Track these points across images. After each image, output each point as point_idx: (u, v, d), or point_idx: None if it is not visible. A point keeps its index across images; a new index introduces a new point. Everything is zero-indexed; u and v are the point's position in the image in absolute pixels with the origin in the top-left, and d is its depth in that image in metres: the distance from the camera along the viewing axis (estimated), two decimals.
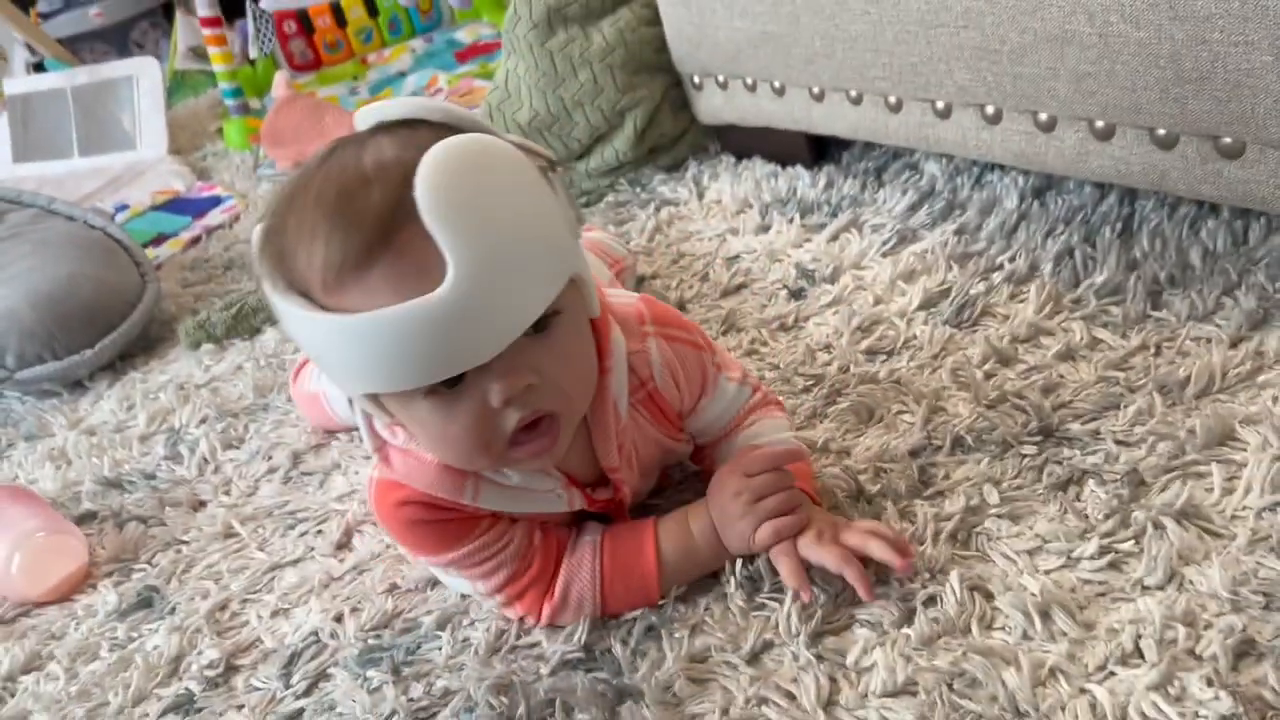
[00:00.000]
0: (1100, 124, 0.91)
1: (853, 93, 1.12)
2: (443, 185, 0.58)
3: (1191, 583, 0.65)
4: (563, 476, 0.72)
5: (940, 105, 1.04)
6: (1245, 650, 0.60)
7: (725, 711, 0.65)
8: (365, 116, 0.66)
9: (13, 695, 0.82)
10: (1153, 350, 0.85)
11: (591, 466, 0.74)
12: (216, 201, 1.74)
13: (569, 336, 0.65)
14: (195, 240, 1.63)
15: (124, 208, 1.77)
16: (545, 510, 0.73)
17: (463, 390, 0.62)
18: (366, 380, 0.62)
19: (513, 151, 0.63)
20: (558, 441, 0.66)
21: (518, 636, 0.74)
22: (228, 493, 1.00)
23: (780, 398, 0.85)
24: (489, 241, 0.58)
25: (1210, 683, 0.58)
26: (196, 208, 1.74)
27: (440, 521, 0.71)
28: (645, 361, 0.73)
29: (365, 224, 0.58)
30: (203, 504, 1.00)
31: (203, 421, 1.12)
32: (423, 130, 0.63)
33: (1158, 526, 0.69)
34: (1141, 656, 0.61)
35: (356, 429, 1.02)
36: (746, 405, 0.80)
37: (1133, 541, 0.69)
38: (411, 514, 0.70)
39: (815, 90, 1.17)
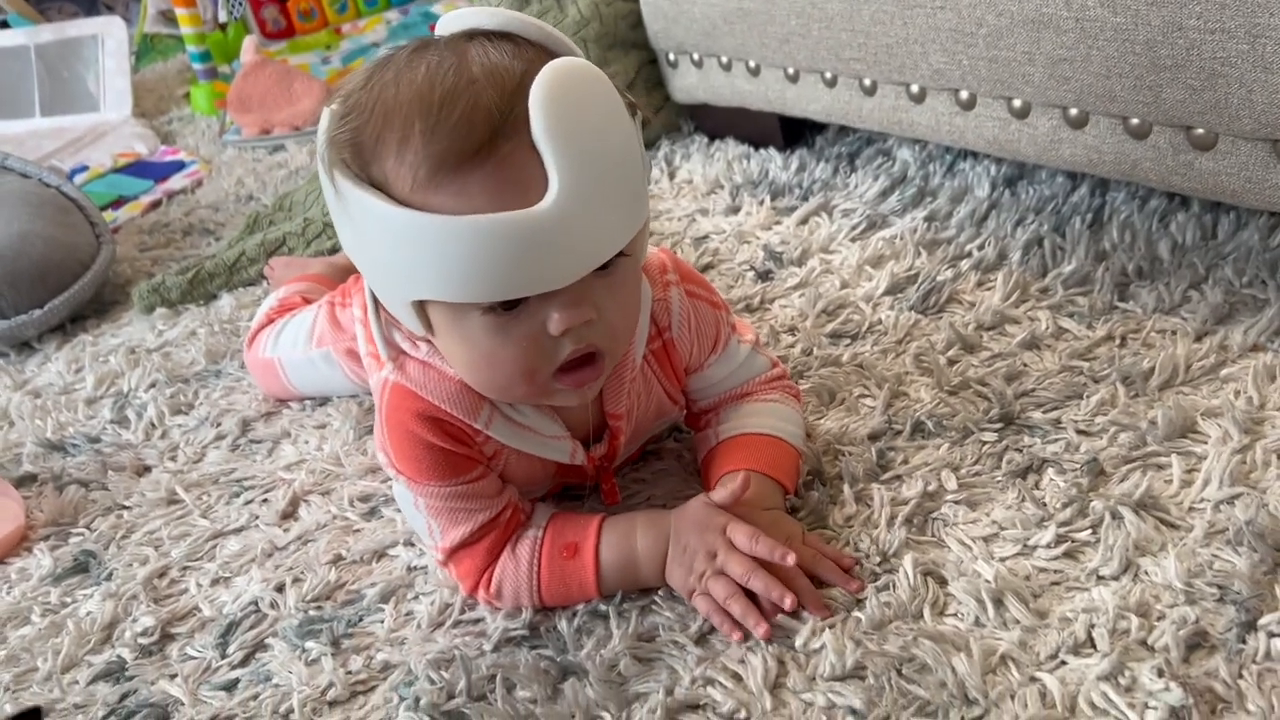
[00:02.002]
0: (1074, 111, 0.90)
1: (828, 74, 1.11)
2: (558, 103, 0.57)
3: (1147, 573, 0.64)
4: (566, 427, 0.72)
5: (915, 89, 1.03)
6: (1198, 642, 0.59)
7: (670, 691, 0.63)
8: (450, 23, 0.64)
9: None
10: (1118, 341, 0.85)
11: (594, 417, 0.73)
12: (180, 166, 1.70)
13: (629, 279, 0.65)
14: (155, 204, 1.59)
15: (83, 169, 1.73)
16: (547, 456, 0.72)
17: (522, 314, 0.61)
18: (435, 286, 0.60)
19: (612, 85, 0.62)
20: (598, 378, 0.65)
21: (461, 611, 0.72)
22: (174, 458, 0.97)
23: (798, 387, 0.83)
24: (592, 167, 0.58)
25: (1161, 673, 0.57)
26: (158, 171, 1.70)
27: (444, 449, 0.68)
28: (666, 310, 0.73)
29: (474, 127, 0.57)
30: (147, 469, 0.97)
31: (152, 386, 1.09)
32: (524, 44, 0.62)
33: (1115, 516, 0.68)
34: (1094, 646, 0.60)
35: (309, 399, 1.00)
36: (765, 376, 0.79)
37: (1090, 531, 0.68)
38: (421, 429, 0.68)
39: (790, 71, 1.15)
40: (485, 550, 0.70)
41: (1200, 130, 0.81)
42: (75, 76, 2.01)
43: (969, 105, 0.99)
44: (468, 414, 0.68)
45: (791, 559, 0.64)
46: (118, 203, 1.60)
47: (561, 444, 0.72)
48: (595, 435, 0.74)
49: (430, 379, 0.68)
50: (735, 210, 1.18)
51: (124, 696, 0.72)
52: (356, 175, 0.61)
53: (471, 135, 0.57)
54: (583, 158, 0.57)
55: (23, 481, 0.98)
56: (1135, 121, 0.86)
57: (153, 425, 1.03)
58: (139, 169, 1.72)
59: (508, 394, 0.67)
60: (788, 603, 0.65)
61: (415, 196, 0.58)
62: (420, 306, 0.63)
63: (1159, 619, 0.61)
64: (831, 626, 0.65)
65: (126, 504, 0.92)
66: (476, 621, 0.71)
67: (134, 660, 0.75)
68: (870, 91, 1.08)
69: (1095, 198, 1.03)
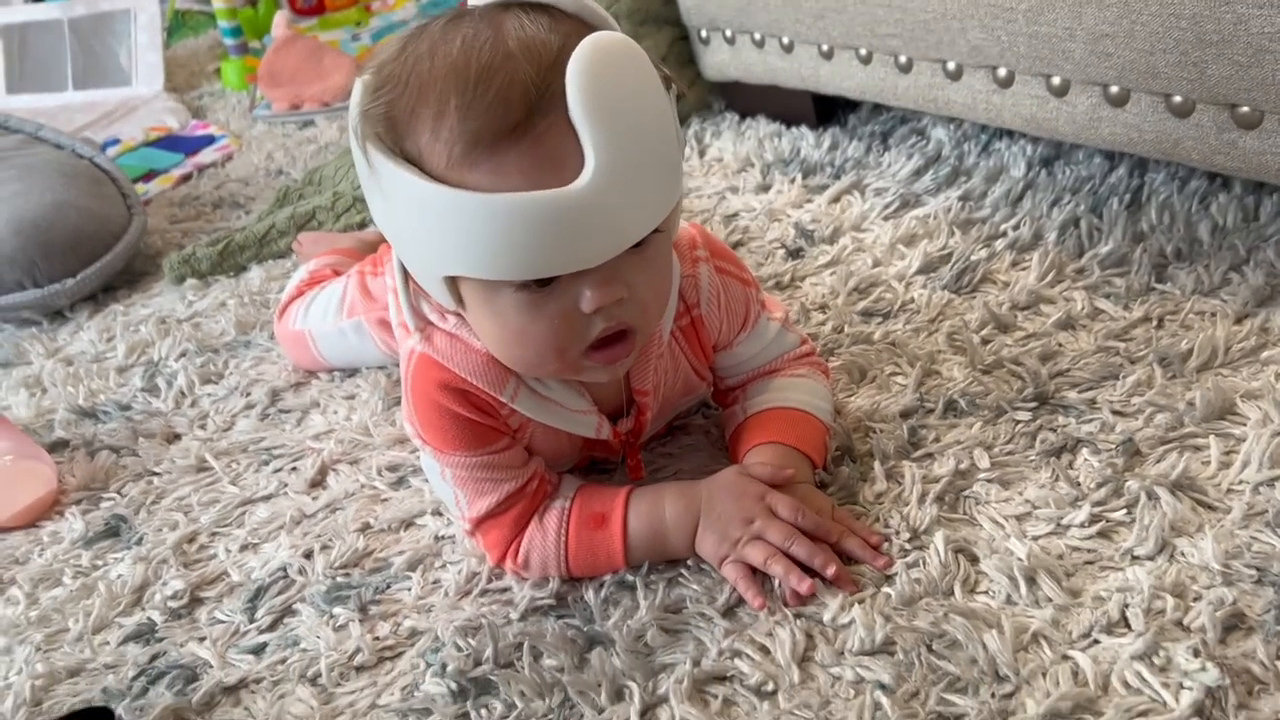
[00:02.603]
0: (1115, 89, 0.88)
1: (862, 51, 1.10)
2: (596, 78, 0.56)
3: (1183, 554, 0.63)
4: (593, 402, 0.71)
5: (951, 66, 1.01)
6: (1235, 623, 0.58)
7: (697, 663, 0.63)
8: None
9: None
10: (1155, 322, 0.83)
11: (619, 395, 0.73)
12: (210, 140, 1.71)
13: (662, 256, 0.64)
14: (186, 177, 1.59)
15: (115, 142, 1.73)
16: (574, 430, 0.72)
17: (554, 291, 0.60)
18: (468, 262, 0.59)
19: (648, 59, 0.61)
20: (629, 355, 0.65)
21: (489, 580, 0.72)
22: (203, 427, 0.98)
23: (827, 364, 0.82)
24: (629, 144, 0.57)
25: (1197, 654, 0.57)
26: (189, 146, 1.70)
27: (469, 420, 0.68)
28: (694, 286, 0.72)
29: (510, 104, 0.56)
30: (177, 437, 0.97)
31: (182, 355, 1.10)
32: (560, 17, 0.61)
33: (1151, 496, 0.67)
34: (1128, 625, 0.60)
35: (339, 370, 1.00)
36: (794, 353, 0.78)
37: (1125, 511, 0.67)
38: (446, 400, 0.68)
39: (824, 47, 1.14)
40: (512, 521, 0.70)
41: (1245, 108, 0.80)
42: (107, 51, 2.02)
43: (1006, 83, 0.97)
44: (493, 387, 0.68)
45: (833, 538, 0.65)
46: (149, 176, 1.60)
47: (588, 418, 0.72)
48: (623, 411, 0.74)
49: (457, 351, 0.68)
50: (766, 188, 1.17)
51: (154, 658, 0.72)
52: (390, 149, 0.60)
53: (508, 113, 0.56)
54: (620, 135, 0.57)
55: (55, 447, 0.98)
56: (1178, 99, 0.84)
57: (183, 394, 1.03)
58: (170, 143, 1.73)
59: (537, 370, 0.67)
60: (831, 571, 0.64)
61: (450, 173, 0.58)
62: (452, 281, 0.62)
63: (1195, 600, 0.60)
64: (861, 602, 0.64)
65: (157, 470, 0.93)
66: (503, 590, 0.71)
67: (164, 623, 0.75)
68: (905, 69, 1.06)
69: (1134, 178, 1.01)
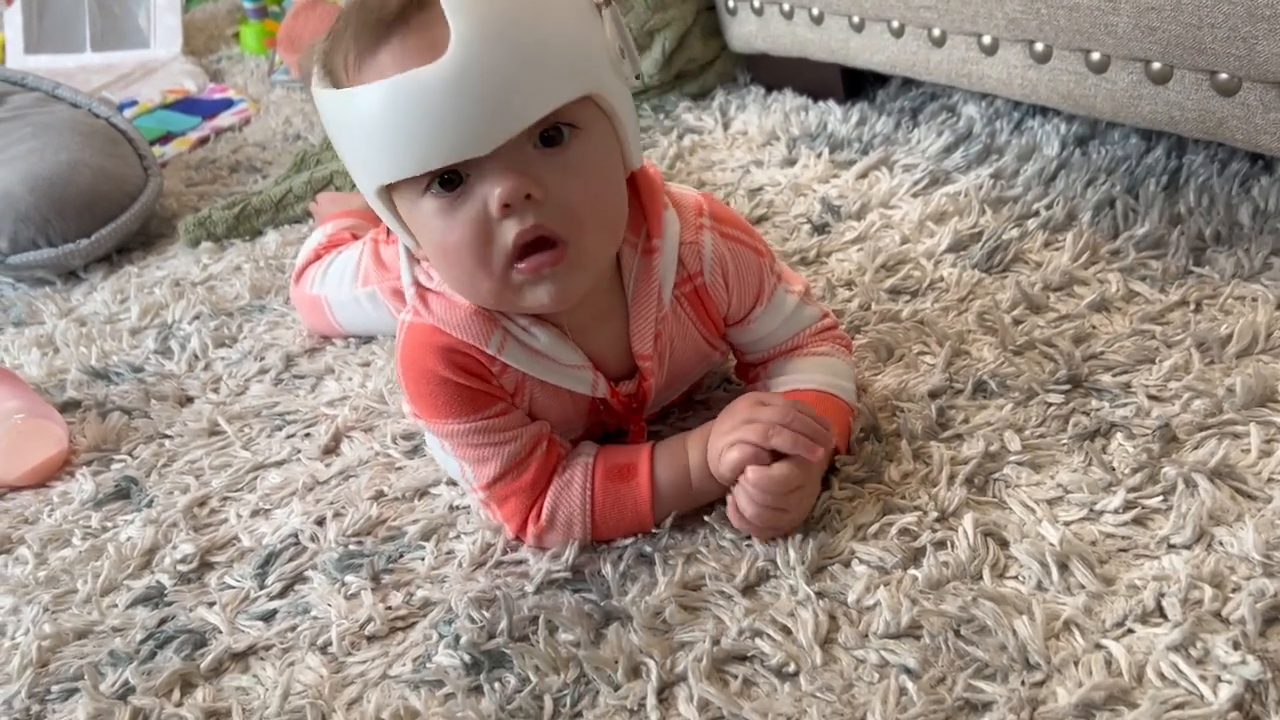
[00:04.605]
0: (1157, 65, 0.86)
1: (895, 23, 1.07)
2: None
3: (1221, 543, 0.61)
4: (590, 360, 0.70)
5: (987, 40, 0.99)
6: (1275, 616, 0.57)
7: (717, 641, 0.61)
8: None
9: None
10: (1193, 306, 0.81)
11: (623, 358, 0.71)
12: (228, 104, 1.69)
13: (587, 159, 0.62)
14: (203, 140, 1.58)
15: (132, 104, 1.72)
16: (569, 386, 0.70)
17: (464, 195, 0.60)
18: (371, 167, 0.61)
19: None
20: (566, 272, 0.62)
21: (504, 552, 0.71)
22: (216, 390, 0.96)
23: (850, 338, 0.80)
24: (496, 21, 0.57)
25: (1237, 646, 0.55)
26: (207, 109, 1.69)
27: (458, 384, 0.67)
28: (697, 254, 0.70)
29: (387, 7, 0.59)
30: (189, 400, 0.96)
31: (196, 318, 1.08)
32: None
33: (1189, 484, 0.65)
34: (1163, 615, 0.58)
35: (354, 336, 0.99)
36: (815, 328, 0.76)
37: (1161, 498, 0.65)
38: (436, 364, 0.67)
39: (855, 19, 1.11)
40: (527, 486, 0.69)
41: None
42: (126, 12, 2.00)
43: (1044, 58, 0.95)
44: (478, 339, 0.67)
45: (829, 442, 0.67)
46: (165, 138, 1.59)
47: (581, 374, 0.70)
48: (629, 376, 0.72)
49: (443, 307, 0.67)
50: (791, 163, 1.15)
51: (162, 621, 0.71)
52: (322, 81, 0.63)
53: (385, 9, 0.59)
54: (489, 14, 0.57)
55: (67, 407, 0.97)
56: (1224, 76, 0.81)
57: (196, 357, 1.02)
58: (187, 106, 1.71)
59: (476, 292, 0.64)
60: (819, 454, 0.65)
61: (351, 83, 0.61)
62: (389, 200, 0.63)
63: (1234, 590, 0.58)
64: (886, 584, 0.63)
65: (168, 433, 0.91)
66: (519, 563, 0.70)
67: (173, 586, 0.74)
68: (939, 42, 1.04)
69: (1172, 159, 0.98)
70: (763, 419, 0.65)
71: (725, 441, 0.66)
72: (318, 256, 1.01)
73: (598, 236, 0.63)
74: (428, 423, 0.69)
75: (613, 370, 0.71)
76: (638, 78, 0.67)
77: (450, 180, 0.60)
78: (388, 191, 0.63)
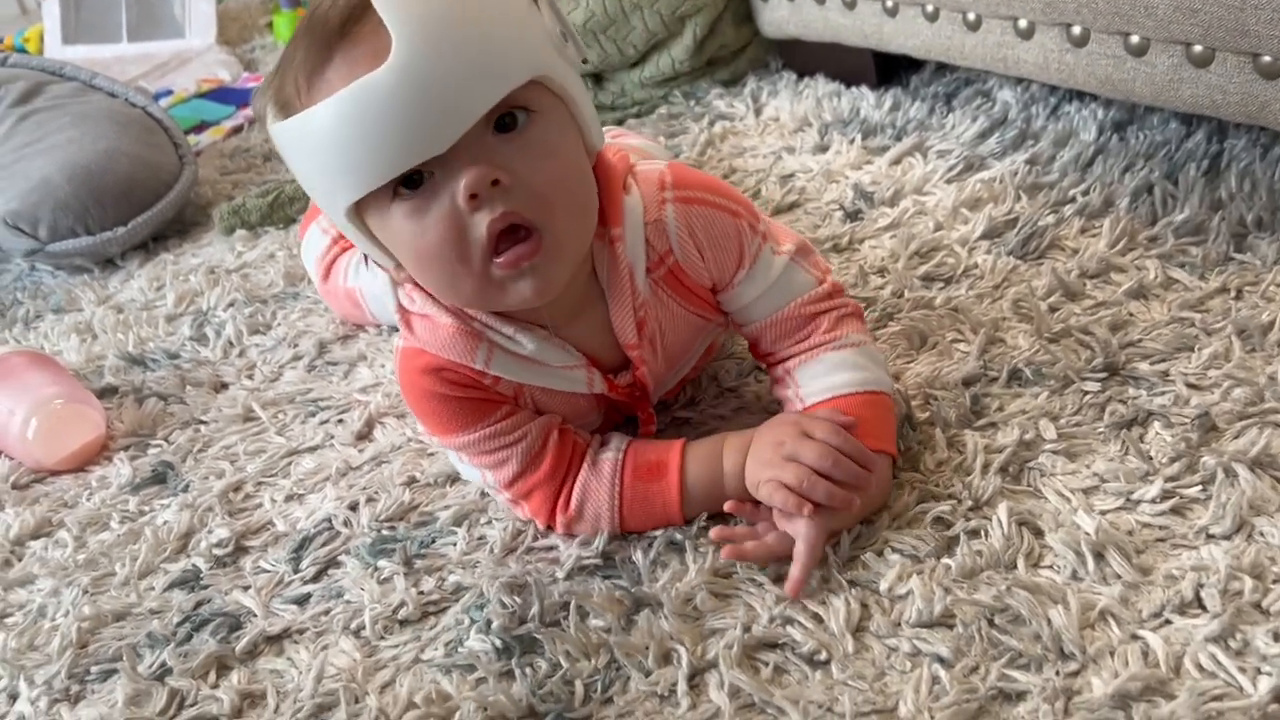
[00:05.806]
0: (1198, 48, 0.84)
1: (929, 7, 1.06)
2: None
3: (1262, 534, 0.60)
4: (582, 356, 0.69)
5: (1023, 24, 0.97)
6: None
7: (748, 629, 0.61)
8: None
9: (20, 559, 0.81)
10: (1233, 294, 0.80)
11: (614, 349, 0.70)
12: None
13: (547, 141, 0.61)
14: (237, 129, 1.59)
15: (167, 93, 1.74)
16: (563, 388, 0.70)
17: (428, 194, 0.60)
18: (334, 190, 0.60)
19: None
20: (545, 264, 0.61)
21: (535, 538, 0.71)
22: (250, 376, 0.97)
23: (859, 305, 0.75)
24: (435, 20, 0.57)
25: (1277, 638, 0.54)
26: (241, 98, 1.70)
27: (458, 399, 0.67)
28: (662, 232, 0.68)
29: (330, 21, 0.59)
30: (224, 386, 0.97)
31: (231, 305, 1.10)
32: None
33: (1229, 474, 0.64)
34: (1202, 606, 0.57)
35: (387, 326, 0.99)
36: (810, 295, 0.71)
37: (1200, 487, 0.64)
38: (431, 384, 0.67)
39: (889, 4, 1.10)
40: (547, 475, 0.69)
41: None
42: (162, 3, 2.02)
43: (1081, 41, 0.93)
44: (464, 355, 0.66)
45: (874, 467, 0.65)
46: (200, 127, 1.60)
47: (574, 374, 0.69)
48: (625, 365, 0.72)
49: (425, 328, 0.67)
50: (824, 149, 1.14)
51: (198, 605, 0.72)
52: (276, 115, 0.62)
53: (326, 29, 0.59)
54: (426, 14, 0.57)
55: (104, 393, 0.99)
56: (1267, 59, 0.80)
57: (230, 343, 1.03)
58: (222, 95, 1.73)
59: (459, 293, 0.64)
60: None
61: (304, 106, 0.60)
62: (361, 223, 0.63)
63: (1275, 582, 0.57)
64: (919, 572, 0.62)
65: (204, 419, 0.93)
66: (549, 549, 0.70)
67: (209, 570, 0.75)
68: (974, 26, 1.02)
69: (1212, 144, 0.97)
70: (805, 460, 0.64)
71: (764, 475, 0.65)
72: (342, 250, 1.00)
73: (569, 222, 0.62)
74: (440, 439, 0.70)
75: (606, 363, 0.71)
76: (585, 61, 0.67)
77: (414, 180, 0.59)
78: (358, 213, 0.62)
